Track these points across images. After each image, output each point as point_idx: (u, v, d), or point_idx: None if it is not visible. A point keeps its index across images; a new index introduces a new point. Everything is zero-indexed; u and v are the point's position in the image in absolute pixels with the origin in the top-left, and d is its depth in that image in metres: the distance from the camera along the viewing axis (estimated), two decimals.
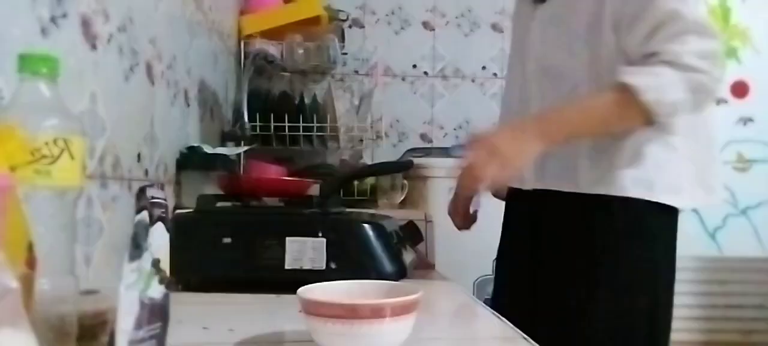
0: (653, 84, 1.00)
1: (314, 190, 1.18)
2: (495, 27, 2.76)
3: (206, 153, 1.44)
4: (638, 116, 1.02)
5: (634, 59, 1.05)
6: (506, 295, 1.29)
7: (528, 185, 1.20)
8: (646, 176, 1.08)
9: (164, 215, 0.52)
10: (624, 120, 1.05)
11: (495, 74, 2.75)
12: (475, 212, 1.40)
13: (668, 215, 1.13)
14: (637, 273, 1.11)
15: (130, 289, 0.48)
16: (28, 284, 0.46)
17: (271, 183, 1.23)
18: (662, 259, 1.14)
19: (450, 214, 1.39)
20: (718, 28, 1.04)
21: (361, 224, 1.03)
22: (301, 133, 2.20)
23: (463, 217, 1.37)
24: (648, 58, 1.03)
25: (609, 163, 1.09)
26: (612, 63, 1.07)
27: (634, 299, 1.10)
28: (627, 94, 1.00)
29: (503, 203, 1.38)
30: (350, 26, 2.65)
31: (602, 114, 1.05)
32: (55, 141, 0.52)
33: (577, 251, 1.13)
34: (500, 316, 0.88)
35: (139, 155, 1.11)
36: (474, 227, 1.49)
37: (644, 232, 1.11)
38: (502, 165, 1.02)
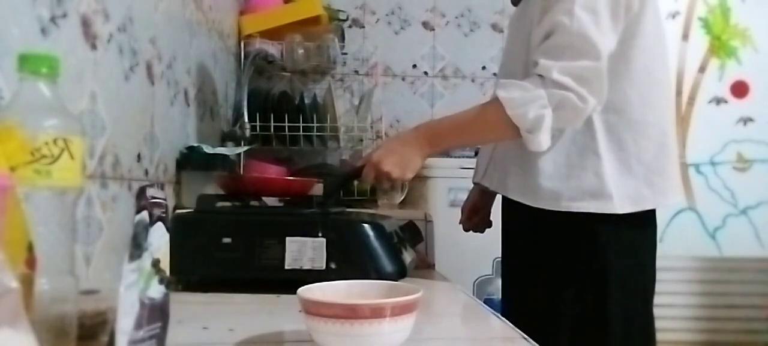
0: (519, 99, 1.02)
1: (316, 190, 1.19)
2: (495, 27, 2.76)
3: (206, 153, 1.44)
4: (506, 129, 1.03)
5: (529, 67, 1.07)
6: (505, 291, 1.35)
7: (496, 190, 1.26)
8: (555, 189, 1.11)
9: (164, 215, 0.52)
10: (493, 132, 1.10)
11: (495, 74, 2.75)
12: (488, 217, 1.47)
13: (616, 222, 1.10)
14: (580, 280, 1.12)
15: (130, 289, 0.48)
16: (28, 284, 0.46)
17: (271, 183, 1.23)
18: (613, 267, 1.11)
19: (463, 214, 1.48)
20: (602, 48, 1.02)
21: (361, 224, 1.02)
22: (301, 133, 2.20)
23: (468, 217, 1.45)
24: (533, 66, 1.04)
25: (535, 178, 1.12)
26: None
27: (571, 302, 1.12)
28: (497, 107, 1.03)
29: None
30: (350, 26, 2.65)
31: (475, 125, 1.10)
32: (55, 141, 0.52)
33: (530, 254, 1.20)
34: (500, 316, 0.88)
35: (139, 155, 1.11)
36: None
37: (585, 241, 1.11)
38: (390, 182, 1.10)
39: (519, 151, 1.14)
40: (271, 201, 1.11)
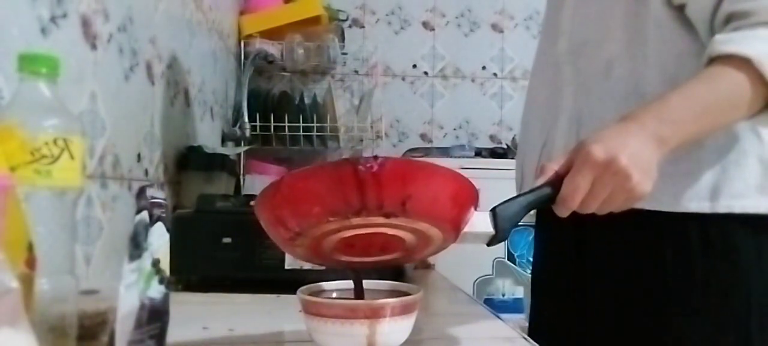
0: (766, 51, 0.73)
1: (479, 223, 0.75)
2: (495, 27, 2.76)
3: (206, 153, 1.44)
4: (761, 96, 0.75)
5: (703, 22, 0.80)
6: (546, 322, 1.03)
7: None
8: (707, 183, 0.82)
9: (164, 215, 0.52)
10: (745, 107, 0.75)
11: (495, 74, 2.75)
12: None
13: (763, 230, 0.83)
14: (722, 305, 0.83)
15: (130, 289, 0.48)
16: (28, 284, 0.46)
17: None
18: (756, 288, 0.83)
19: None
20: None
21: None
22: (301, 133, 2.20)
23: None
24: (735, 20, 0.77)
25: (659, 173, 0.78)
26: (660, 28, 0.83)
27: (718, 339, 0.83)
28: (746, 69, 0.73)
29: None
30: (350, 26, 2.65)
31: (721, 101, 0.75)
32: (55, 141, 0.52)
33: (638, 277, 0.87)
34: (499, 316, 0.88)
35: (139, 155, 1.11)
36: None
37: (728, 253, 0.83)
38: (630, 194, 0.69)
39: None
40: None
